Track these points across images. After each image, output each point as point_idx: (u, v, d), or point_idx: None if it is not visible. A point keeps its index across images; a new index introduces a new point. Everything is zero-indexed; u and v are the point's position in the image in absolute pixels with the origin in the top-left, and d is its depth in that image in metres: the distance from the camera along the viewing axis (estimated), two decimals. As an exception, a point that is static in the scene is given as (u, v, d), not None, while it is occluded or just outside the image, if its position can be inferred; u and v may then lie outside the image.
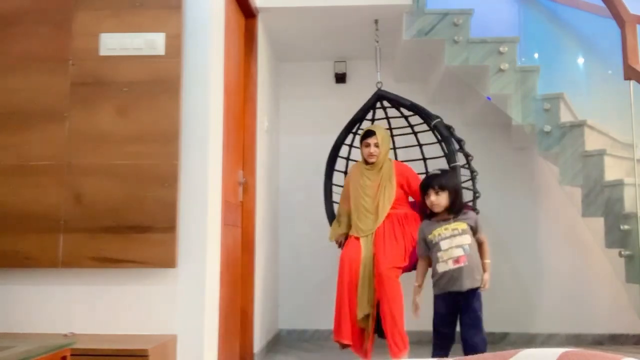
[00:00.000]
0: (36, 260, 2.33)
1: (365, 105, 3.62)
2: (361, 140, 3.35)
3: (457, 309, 2.77)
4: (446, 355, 2.73)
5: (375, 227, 3.17)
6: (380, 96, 3.60)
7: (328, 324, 4.20)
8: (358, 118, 3.63)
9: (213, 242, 2.50)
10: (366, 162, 3.32)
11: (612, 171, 3.24)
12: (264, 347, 3.60)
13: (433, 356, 2.83)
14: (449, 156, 3.34)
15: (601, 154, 3.25)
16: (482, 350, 2.65)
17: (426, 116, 3.50)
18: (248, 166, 3.33)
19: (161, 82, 2.40)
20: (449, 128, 3.46)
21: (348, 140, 3.71)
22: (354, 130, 3.70)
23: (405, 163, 3.48)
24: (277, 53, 4.30)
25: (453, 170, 3.20)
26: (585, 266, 4.10)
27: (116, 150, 2.37)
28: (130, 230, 2.32)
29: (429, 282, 2.87)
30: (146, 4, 2.45)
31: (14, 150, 2.40)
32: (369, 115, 3.77)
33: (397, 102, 3.59)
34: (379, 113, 3.80)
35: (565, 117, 3.45)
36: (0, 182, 2.39)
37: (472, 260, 2.74)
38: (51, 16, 2.47)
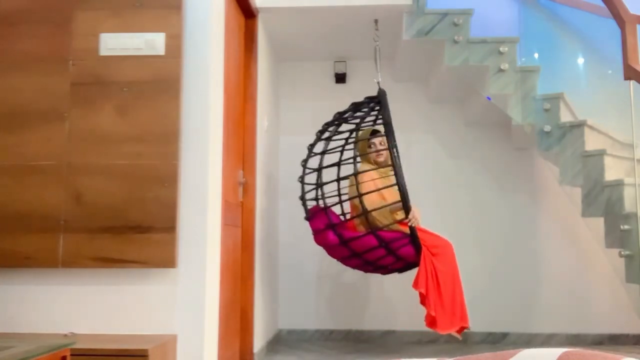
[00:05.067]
0: (36, 260, 2.33)
1: (367, 104, 3.41)
2: (364, 140, 3.33)
3: None
4: None
5: None
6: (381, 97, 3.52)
7: (328, 324, 4.24)
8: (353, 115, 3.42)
9: (213, 242, 2.50)
10: (376, 163, 3.33)
11: (612, 171, 3.24)
12: (264, 347, 3.60)
13: None
14: (397, 174, 3.24)
15: (601, 154, 3.25)
16: None
17: (392, 139, 3.33)
18: (248, 166, 3.33)
19: (161, 82, 2.40)
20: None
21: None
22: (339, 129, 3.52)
23: None
24: (277, 53, 4.30)
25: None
26: (585, 266, 4.11)
27: (116, 150, 2.37)
28: (130, 230, 2.32)
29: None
30: (146, 4, 2.45)
31: (14, 150, 2.40)
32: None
33: (385, 112, 3.39)
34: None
35: (565, 117, 3.45)
36: (0, 182, 2.39)
37: None
38: (51, 16, 2.47)
